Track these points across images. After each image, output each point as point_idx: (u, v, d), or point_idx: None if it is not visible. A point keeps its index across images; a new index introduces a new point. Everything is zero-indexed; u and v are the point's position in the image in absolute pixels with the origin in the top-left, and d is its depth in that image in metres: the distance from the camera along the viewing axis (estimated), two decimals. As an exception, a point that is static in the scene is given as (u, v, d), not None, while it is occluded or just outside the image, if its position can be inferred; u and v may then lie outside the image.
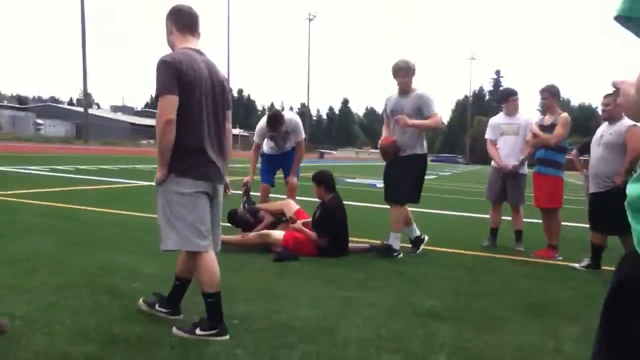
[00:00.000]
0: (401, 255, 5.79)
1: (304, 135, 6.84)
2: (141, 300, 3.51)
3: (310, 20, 74.57)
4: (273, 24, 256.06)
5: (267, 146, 6.85)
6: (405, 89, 5.82)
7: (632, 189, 0.98)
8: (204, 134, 3.16)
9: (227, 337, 3.11)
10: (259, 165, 6.99)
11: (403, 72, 5.74)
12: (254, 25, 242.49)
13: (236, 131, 70.30)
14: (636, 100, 0.92)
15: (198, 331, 3.09)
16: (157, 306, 3.45)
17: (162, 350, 2.88)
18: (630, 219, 0.99)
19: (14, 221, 6.35)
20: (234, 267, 4.84)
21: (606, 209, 5.20)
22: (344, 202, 5.99)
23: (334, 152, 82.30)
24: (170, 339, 3.04)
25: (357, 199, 11.88)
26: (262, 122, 6.56)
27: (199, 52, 3.25)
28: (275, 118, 6.37)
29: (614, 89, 1.08)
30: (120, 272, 4.40)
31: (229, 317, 3.47)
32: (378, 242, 6.32)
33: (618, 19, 0.88)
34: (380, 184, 18.16)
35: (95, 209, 7.84)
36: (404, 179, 5.83)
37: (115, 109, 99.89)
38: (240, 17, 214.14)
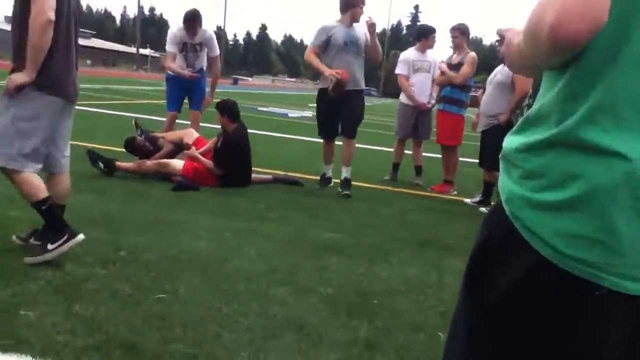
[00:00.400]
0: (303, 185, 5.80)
1: (218, 51, 6.63)
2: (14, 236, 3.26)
3: None
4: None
5: (175, 64, 6.46)
6: (358, 19, 5.66)
7: (507, 142, 0.96)
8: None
9: (81, 236, 3.01)
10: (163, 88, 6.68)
11: (363, 2, 5.60)
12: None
13: (146, 51, 66.69)
14: (518, 50, 0.90)
15: (50, 246, 2.93)
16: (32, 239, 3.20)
17: (35, 285, 2.69)
18: (501, 171, 0.98)
19: None
20: (128, 196, 4.64)
21: (490, 146, 5.38)
22: (254, 131, 5.83)
23: (249, 78, 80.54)
24: (44, 273, 2.85)
25: (267, 129, 11.71)
26: (176, 27, 6.39)
27: None
28: (193, 15, 6.15)
29: (499, 37, 1.03)
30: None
31: (116, 248, 3.34)
32: (282, 173, 6.29)
33: None
34: (292, 113, 18.13)
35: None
36: (360, 113, 5.77)
37: (8, 20, 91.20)
38: None
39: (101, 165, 5.23)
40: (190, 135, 5.82)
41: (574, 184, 0.82)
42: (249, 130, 5.87)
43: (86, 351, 2.16)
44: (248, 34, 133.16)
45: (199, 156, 5.46)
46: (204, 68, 6.60)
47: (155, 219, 4.06)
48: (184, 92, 6.59)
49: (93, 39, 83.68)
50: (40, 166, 3.02)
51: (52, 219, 2.99)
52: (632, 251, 0.82)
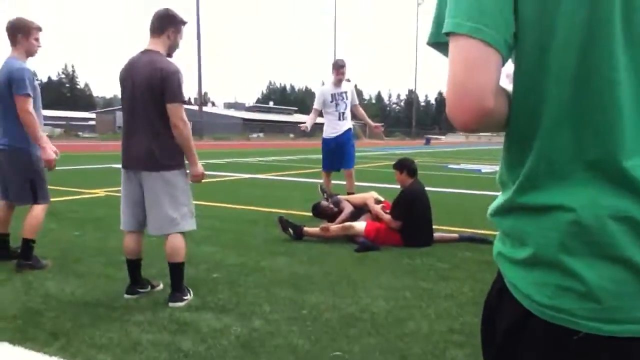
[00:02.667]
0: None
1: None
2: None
3: (419, 4, 72.78)
4: (379, 11, 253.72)
5: (326, 124, 7.37)
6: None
7: (493, 203, 1.01)
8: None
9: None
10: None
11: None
12: (358, 13, 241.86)
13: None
14: None
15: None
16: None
17: (226, 340, 2.95)
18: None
19: (117, 215, 6.81)
20: (314, 258, 4.88)
21: None
22: (443, 190, 5.80)
23: (442, 137, 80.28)
24: (235, 328, 3.11)
25: (457, 186, 11.48)
26: (321, 85, 7.52)
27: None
28: (341, 60, 7.40)
29: None
30: (203, 263, 4.59)
31: (300, 307, 3.52)
32: (469, 231, 6.08)
33: (430, 44, 0.98)
34: (485, 168, 17.56)
35: (195, 202, 8.21)
36: None
37: (228, 105, 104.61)
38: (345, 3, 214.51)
39: (290, 231, 5.63)
40: (372, 198, 5.99)
41: (528, 243, 0.88)
42: (438, 189, 5.84)
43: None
44: (440, 94, 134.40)
45: (380, 211, 5.59)
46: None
47: (337, 279, 4.21)
48: (335, 156, 7.39)
49: (295, 115, 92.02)
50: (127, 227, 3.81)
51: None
52: (605, 294, 0.83)
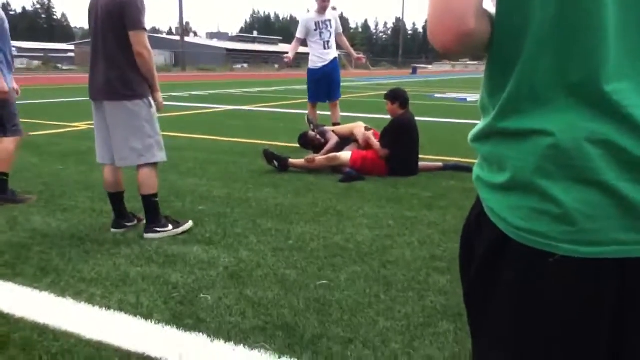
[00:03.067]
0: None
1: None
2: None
3: None
4: None
5: (312, 54, 7.25)
6: None
7: (473, 130, 1.01)
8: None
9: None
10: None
11: None
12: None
13: (327, 50, 69.49)
14: None
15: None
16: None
17: (214, 271, 3.01)
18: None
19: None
20: (300, 190, 4.91)
21: None
22: (428, 119, 5.78)
23: (429, 66, 79.36)
24: (223, 260, 3.16)
25: (443, 115, 11.46)
26: (306, 13, 7.29)
27: None
28: None
29: None
30: (190, 195, 4.61)
31: (286, 237, 3.57)
32: (454, 159, 6.12)
33: None
34: (471, 97, 17.49)
35: (178, 134, 8.16)
36: None
37: (210, 35, 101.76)
38: None
39: (275, 163, 5.62)
40: (359, 128, 5.95)
41: (507, 167, 0.89)
42: (424, 118, 5.82)
43: (253, 332, 2.36)
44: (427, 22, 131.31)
45: (371, 136, 5.65)
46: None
47: (323, 210, 4.25)
48: (323, 87, 7.30)
49: (280, 45, 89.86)
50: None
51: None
52: (581, 217, 0.84)
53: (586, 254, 0.84)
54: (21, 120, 4.53)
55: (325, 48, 7.15)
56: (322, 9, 7.09)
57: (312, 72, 7.29)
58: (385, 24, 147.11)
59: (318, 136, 6.21)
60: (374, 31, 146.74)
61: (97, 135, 3.69)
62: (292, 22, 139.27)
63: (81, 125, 9.05)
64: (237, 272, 2.99)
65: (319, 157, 5.67)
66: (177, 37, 58.50)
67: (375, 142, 5.57)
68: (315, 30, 7.10)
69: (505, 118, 0.89)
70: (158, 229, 3.56)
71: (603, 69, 0.81)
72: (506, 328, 0.94)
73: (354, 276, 2.96)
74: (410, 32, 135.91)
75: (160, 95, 3.65)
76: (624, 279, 0.85)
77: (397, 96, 5.72)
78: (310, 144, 6.24)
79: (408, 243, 3.50)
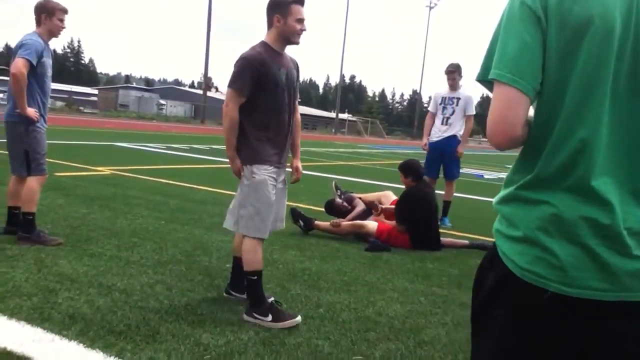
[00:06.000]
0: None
1: (474, 112, 7.11)
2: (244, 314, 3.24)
3: (431, 8, 72.32)
4: (391, 10, 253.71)
5: (434, 126, 7.16)
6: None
7: (497, 196, 1.35)
8: None
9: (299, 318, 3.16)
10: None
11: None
12: (371, 11, 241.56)
13: (344, 116, 70.76)
14: None
15: (266, 319, 3.11)
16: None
17: (245, 335, 2.92)
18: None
19: (126, 195, 6.78)
20: (327, 255, 4.84)
21: None
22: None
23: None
24: (252, 324, 3.07)
25: (462, 191, 11.43)
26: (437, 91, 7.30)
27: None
28: (457, 64, 7.04)
29: None
30: (216, 252, 4.55)
31: (315, 305, 3.48)
32: (480, 238, 6.06)
33: (478, 81, 1.30)
34: (486, 174, 17.53)
35: (201, 187, 8.18)
36: None
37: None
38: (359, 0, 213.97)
39: (301, 223, 5.58)
40: (388, 197, 5.94)
41: (519, 226, 1.24)
42: (440, 191, 5.80)
43: (288, 405, 2.25)
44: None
45: (385, 208, 5.75)
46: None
47: (351, 279, 4.17)
48: (439, 157, 7.09)
49: (299, 106, 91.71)
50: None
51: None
52: (570, 267, 1.18)
53: (569, 293, 1.19)
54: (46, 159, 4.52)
55: (443, 124, 7.09)
56: (450, 86, 7.10)
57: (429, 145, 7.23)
58: (402, 95, 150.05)
59: (345, 203, 6.18)
60: (391, 100, 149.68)
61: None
62: (311, 86, 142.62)
63: (105, 170, 9.12)
64: (269, 339, 2.90)
65: (345, 223, 5.62)
66: (200, 91, 59.98)
67: (388, 222, 5.63)
68: (440, 104, 7.13)
69: (525, 189, 1.25)
70: (256, 315, 3.14)
71: (593, 171, 1.17)
72: (500, 340, 1.27)
73: (389, 354, 2.86)
74: (425, 104, 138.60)
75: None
76: (593, 315, 1.20)
77: (409, 169, 5.73)
78: (336, 210, 6.20)
79: (442, 323, 3.40)
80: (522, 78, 1.17)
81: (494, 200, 1.33)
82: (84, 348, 2.56)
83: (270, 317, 3.10)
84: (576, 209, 1.19)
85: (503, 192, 1.31)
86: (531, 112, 1.25)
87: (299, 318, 3.14)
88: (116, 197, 6.59)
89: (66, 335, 2.67)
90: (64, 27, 4.46)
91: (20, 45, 4.22)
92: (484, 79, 1.27)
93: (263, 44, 3.25)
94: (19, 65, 4.12)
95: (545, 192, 1.22)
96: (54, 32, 4.42)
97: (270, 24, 3.24)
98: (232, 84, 3.18)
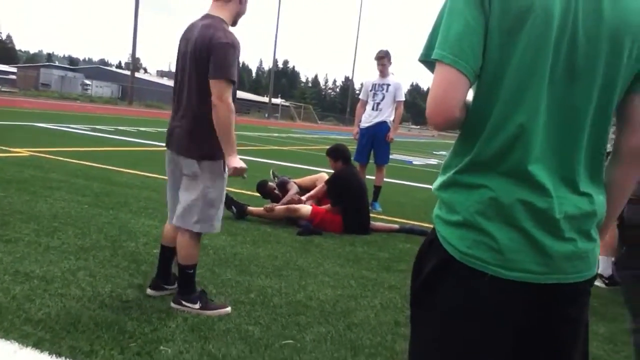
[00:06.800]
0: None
1: (404, 98, 7.25)
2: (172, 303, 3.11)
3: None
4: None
5: (364, 112, 7.26)
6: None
7: (435, 182, 1.35)
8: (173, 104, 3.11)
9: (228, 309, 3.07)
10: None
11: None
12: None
13: (277, 101, 70.30)
14: None
15: (193, 305, 3.02)
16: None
17: (173, 322, 2.84)
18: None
19: (46, 178, 6.44)
20: (258, 240, 4.80)
21: None
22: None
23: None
24: (180, 310, 3.00)
25: (391, 176, 11.64)
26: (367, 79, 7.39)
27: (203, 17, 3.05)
28: (386, 51, 7.18)
29: None
30: (142, 237, 4.40)
31: (247, 290, 3.44)
32: (408, 222, 6.19)
33: (420, 61, 1.30)
34: (415, 160, 17.96)
35: (126, 170, 7.89)
36: None
37: (161, 73, 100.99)
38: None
39: (234, 208, 5.50)
40: (323, 179, 5.95)
41: (459, 210, 1.24)
42: (370, 177, 5.89)
43: (217, 392, 2.21)
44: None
45: (307, 195, 5.82)
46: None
47: (283, 263, 4.15)
48: (370, 143, 7.21)
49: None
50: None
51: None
52: (507, 250, 1.20)
53: (507, 276, 1.20)
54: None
55: (374, 109, 7.14)
56: (380, 72, 7.16)
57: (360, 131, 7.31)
58: (335, 81, 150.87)
59: (276, 190, 6.14)
60: (324, 87, 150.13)
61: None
62: (244, 70, 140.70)
63: (23, 152, 8.62)
64: (198, 325, 2.83)
65: (279, 207, 5.59)
66: (127, 72, 57.82)
67: (326, 206, 5.66)
68: (371, 90, 7.17)
69: (462, 174, 1.25)
70: (185, 303, 3.02)
71: (529, 156, 1.19)
72: (440, 325, 1.27)
73: (320, 337, 2.87)
74: (357, 91, 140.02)
75: (234, 160, 2.99)
76: (531, 298, 1.22)
77: (337, 152, 5.86)
78: (268, 194, 6.15)
79: (371, 306, 3.45)
80: (463, 59, 1.18)
81: (432, 186, 1.34)
82: (-3, 339, 2.40)
83: (198, 305, 3.02)
84: (513, 193, 1.20)
85: (441, 178, 1.31)
86: (470, 95, 1.25)
87: (228, 309, 3.07)
88: (35, 180, 6.24)
89: (-22, 326, 2.50)
90: None
91: None
92: (427, 59, 1.26)
93: (223, 21, 2.95)
94: None
95: (482, 176, 1.23)
96: None
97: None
98: (227, 73, 2.83)
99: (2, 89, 43.53)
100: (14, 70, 62.29)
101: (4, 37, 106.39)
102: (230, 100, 2.88)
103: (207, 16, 3.00)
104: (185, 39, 3.02)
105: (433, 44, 1.23)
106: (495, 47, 1.19)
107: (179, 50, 3.07)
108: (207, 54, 2.84)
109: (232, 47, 2.86)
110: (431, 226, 1.31)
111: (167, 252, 3.26)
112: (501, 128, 1.20)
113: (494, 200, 1.20)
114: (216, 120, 2.88)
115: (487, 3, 1.18)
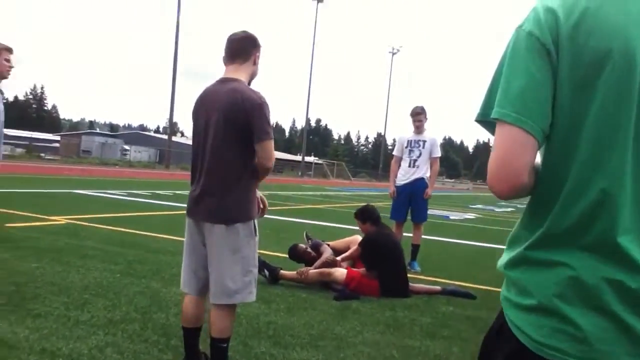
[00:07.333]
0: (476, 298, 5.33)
1: (440, 154, 7.12)
2: None
3: (393, 54, 74.06)
4: (355, 55, 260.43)
5: (400, 169, 7.10)
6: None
7: (501, 258, 1.19)
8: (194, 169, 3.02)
9: None
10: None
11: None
12: (335, 56, 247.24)
13: (310, 159, 71.00)
14: None
15: None
16: None
17: (202, 404, 2.64)
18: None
19: (81, 246, 6.42)
20: (293, 307, 4.60)
21: None
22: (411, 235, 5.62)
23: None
24: (213, 391, 2.80)
25: (428, 232, 11.34)
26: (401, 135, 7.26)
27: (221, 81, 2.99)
28: (422, 107, 7.04)
29: None
30: (173, 307, 4.25)
31: (280, 365, 3.22)
32: (450, 282, 5.90)
33: (477, 121, 1.16)
34: (452, 215, 17.57)
35: (161, 235, 7.85)
36: None
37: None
38: (323, 47, 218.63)
39: (266, 272, 5.33)
40: (357, 241, 5.75)
41: (532, 293, 1.07)
42: (406, 234, 5.68)
43: None
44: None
45: (342, 257, 5.58)
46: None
47: (319, 333, 3.93)
48: (408, 201, 7.00)
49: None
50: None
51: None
52: (594, 339, 1.00)
53: None
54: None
55: (410, 166, 7.00)
56: (416, 129, 7.06)
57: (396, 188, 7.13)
58: (367, 137, 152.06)
59: (309, 249, 5.95)
60: (356, 143, 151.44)
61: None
62: (277, 130, 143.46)
63: (61, 220, 8.71)
64: (229, 407, 2.63)
65: (312, 271, 5.39)
66: (164, 136, 59.47)
67: (355, 270, 5.41)
68: (406, 147, 7.05)
69: (535, 250, 1.08)
70: None
71: (617, 227, 1.01)
72: None
73: (361, 419, 2.62)
74: (390, 147, 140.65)
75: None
76: None
77: (366, 215, 5.71)
78: (299, 256, 5.96)
79: (416, 380, 3.18)
80: (529, 118, 1.03)
81: (499, 262, 1.18)
82: None
83: None
84: (598, 271, 1.02)
85: (509, 254, 1.15)
86: (538, 158, 1.10)
87: None
88: (70, 249, 6.23)
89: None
90: (11, 67, 4.23)
91: None
92: (484, 118, 1.12)
93: (244, 83, 2.94)
94: None
95: (560, 252, 1.05)
96: (2, 73, 4.18)
97: (246, 60, 2.96)
98: (269, 133, 2.85)
99: (46, 157, 45.20)
100: (58, 138, 64.81)
101: (49, 107, 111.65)
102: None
103: (226, 80, 2.94)
104: (205, 107, 2.93)
105: (492, 101, 1.09)
106: (567, 101, 1.04)
107: (197, 119, 2.98)
108: (243, 118, 2.79)
109: (267, 106, 2.85)
110: (474, 286, 1.14)
111: (192, 334, 3.06)
112: (580, 194, 1.03)
113: (575, 280, 1.03)
114: (261, 178, 2.97)
115: (553, 51, 1.03)
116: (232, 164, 2.85)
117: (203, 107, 2.95)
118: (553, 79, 1.03)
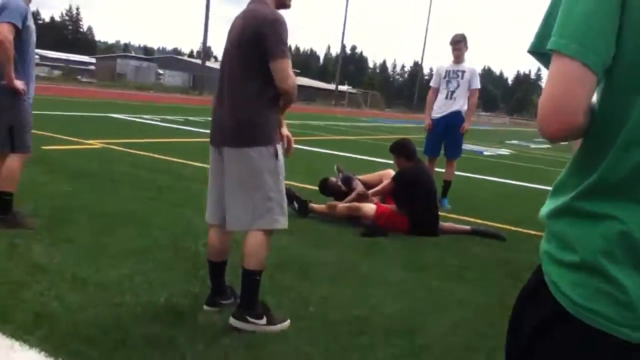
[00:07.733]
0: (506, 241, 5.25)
1: (479, 85, 6.86)
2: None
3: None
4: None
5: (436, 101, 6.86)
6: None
7: (542, 208, 1.07)
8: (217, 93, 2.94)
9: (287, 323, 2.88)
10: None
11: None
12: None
13: (344, 88, 69.95)
14: None
15: (259, 321, 2.81)
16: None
17: (227, 338, 2.68)
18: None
19: (114, 171, 6.51)
20: (319, 241, 4.61)
21: None
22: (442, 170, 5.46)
23: (443, 113, 79.42)
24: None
25: (459, 168, 11.16)
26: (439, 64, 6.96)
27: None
28: (463, 35, 6.73)
29: None
30: (203, 237, 4.29)
31: (305, 302, 3.24)
32: (480, 222, 5.81)
33: (530, 52, 1.05)
34: (486, 151, 17.21)
35: (193, 163, 7.88)
36: None
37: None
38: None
39: (296, 204, 5.31)
40: (389, 176, 5.64)
41: (576, 247, 0.95)
42: (438, 169, 5.54)
43: None
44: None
45: (372, 192, 5.49)
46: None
47: (345, 270, 3.93)
48: (442, 135, 6.82)
49: (298, 78, 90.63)
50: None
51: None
52: None
53: (637, 339, 0.90)
54: (33, 130, 4.20)
55: (447, 98, 6.76)
56: (456, 58, 6.79)
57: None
58: (403, 66, 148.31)
59: (340, 183, 5.88)
60: (391, 72, 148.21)
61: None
62: (311, 56, 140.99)
63: (96, 144, 8.83)
64: (254, 343, 2.66)
65: (341, 205, 5.36)
66: (198, 60, 59.10)
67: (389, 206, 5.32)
68: (444, 77, 6.80)
69: (583, 199, 0.96)
70: (250, 319, 2.80)
71: None
72: None
73: (383, 359, 2.63)
74: (426, 77, 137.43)
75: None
76: None
77: (401, 149, 5.48)
78: (329, 190, 5.91)
79: (440, 324, 3.16)
80: (591, 50, 0.89)
81: (541, 211, 1.06)
82: (45, 358, 2.31)
83: (264, 320, 2.81)
84: None
85: (553, 202, 1.03)
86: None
87: (288, 322, 2.89)
88: (104, 174, 6.33)
89: (27, 340, 2.42)
90: None
91: (2, 9, 3.86)
92: (539, 49, 1.00)
93: (266, 4, 2.80)
94: (3, 30, 3.75)
95: (611, 204, 0.94)
96: None
97: None
98: (284, 51, 2.71)
99: (83, 80, 45.63)
100: (93, 61, 65.07)
101: (84, 28, 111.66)
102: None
103: (251, 3, 2.85)
104: (230, 33, 2.87)
105: (548, 30, 0.96)
106: (634, 30, 0.89)
107: (225, 45, 2.91)
108: (255, 36, 2.69)
109: (281, 23, 2.71)
110: (505, 227, 1.03)
111: (218, 268, 3.07)
112: None
113: (625, 235, 0.92)
114: (285, 105, 2.90)
115: None
116: (247, 88, 2.78)
117: (229, 34, 2.89)
118: (620, 4, 0.90)
